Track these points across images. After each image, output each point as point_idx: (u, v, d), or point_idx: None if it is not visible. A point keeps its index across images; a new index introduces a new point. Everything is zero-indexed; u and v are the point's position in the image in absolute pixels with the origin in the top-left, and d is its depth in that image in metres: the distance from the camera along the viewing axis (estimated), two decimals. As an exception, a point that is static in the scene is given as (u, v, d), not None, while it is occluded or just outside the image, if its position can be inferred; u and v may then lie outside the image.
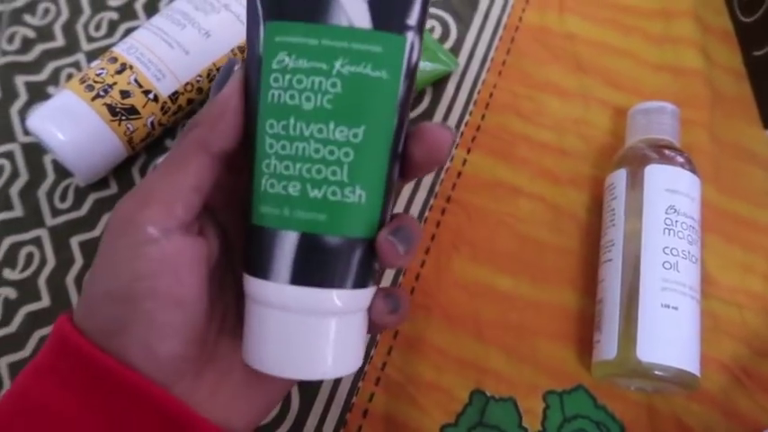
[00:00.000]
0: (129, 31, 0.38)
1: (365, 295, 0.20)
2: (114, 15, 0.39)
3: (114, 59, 0.33)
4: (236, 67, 0.20)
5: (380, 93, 0.19)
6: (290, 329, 0.19)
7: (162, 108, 0.33)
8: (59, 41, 0.39)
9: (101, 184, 0.35)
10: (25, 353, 0.32)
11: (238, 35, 0.34)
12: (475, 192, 0.34)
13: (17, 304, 0.33)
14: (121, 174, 0.35)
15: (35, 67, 0.38)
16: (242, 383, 0.22)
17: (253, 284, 0.20)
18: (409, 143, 0.20)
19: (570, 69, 0.36)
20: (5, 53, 0.38)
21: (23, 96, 0.37)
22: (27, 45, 0.39)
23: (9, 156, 0.36)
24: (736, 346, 0.30)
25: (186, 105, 0.35)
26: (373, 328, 0.22)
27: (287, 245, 0.19)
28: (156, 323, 0.19)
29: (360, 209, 0.19)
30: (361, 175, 0.19)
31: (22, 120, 0.37)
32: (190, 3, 0.34)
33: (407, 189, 0.34)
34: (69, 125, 0.31)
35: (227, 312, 0.22)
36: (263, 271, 0.19)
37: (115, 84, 0.32)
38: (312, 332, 0.19)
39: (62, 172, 0.35)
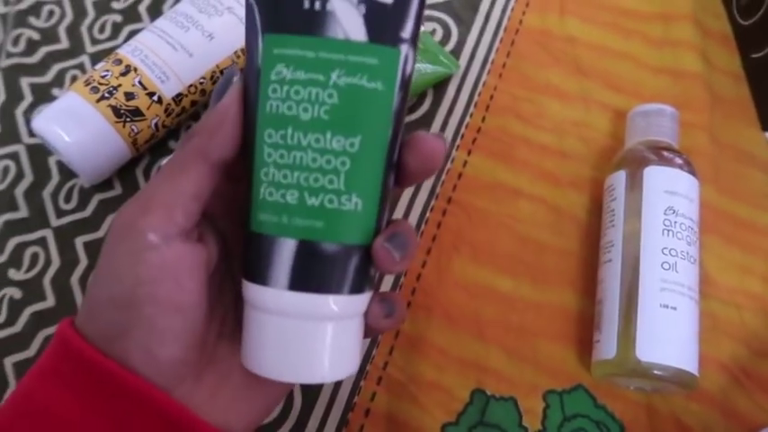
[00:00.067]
0: (132, 34, 0.38)
1: (362, 300, 0.21)
2: (118, 18, 0.40)
3: (119, 62, 0.33)
4: (235, 78, 0.21)
5: (376, 103, 0.19)
6: (288, 334, 0.20)
7: (166, 110, 0.34)
8: (64, 43, 0.39)
9: (105, 185, 0.35)
10: (30, 352, 0.32)
11: (241, 38, 0.34)
12: (475, 193, 0.34)
13: (22, 304, 0.33)
14: (125, 175, 0.35)
15: (40, 68, 0.38)
16: (241, 386, 0.22)
17: (251, 290, 0.20)
18: (404, 152, 0.21)
19: (570, 72, 0.37)
20: (10, 55, 0.39)
21: (28, 98, 0.38)
22: (32, 47, 0.39)
23: (14, 157, 0.36)
24: (735, 347, 0.30)
25: (190, 107, 0.35)
26: (369, 331, 0.22)
27: (285, 252, 0.19)
28: (156, 328, 0.19)
29: (356, 216, 0.19)
30: (358, 184, 0.19)
31: (27, 121, 0.37)
32: (193, 5, 0.35)
33: (409, 190, 0.34)
34: (74, 127, 0.32)
35: (227, 317, 0.23)
36: (261, 277, 0.20)
37: (120, 86, 0.32)
38: (309, 337, 0.20)
39: (67, 173, 0.36)
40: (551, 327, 0.31)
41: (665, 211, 0.29)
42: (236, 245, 0.23)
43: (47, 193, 0.35)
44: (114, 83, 0.32)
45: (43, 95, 0.38)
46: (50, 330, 0.32)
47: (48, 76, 0.38)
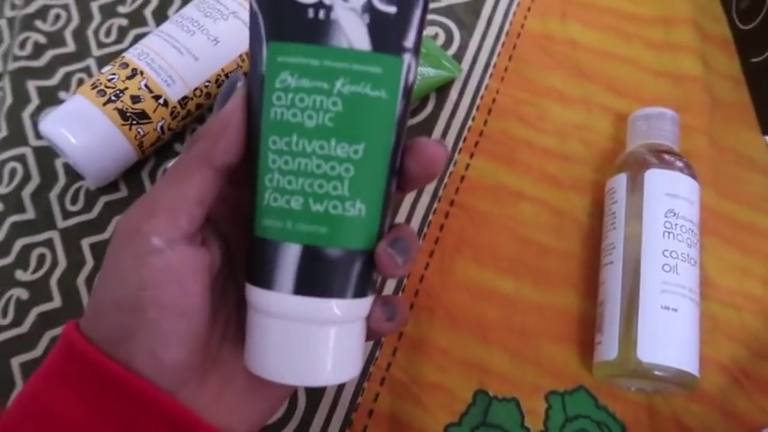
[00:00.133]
0: (138, 38, 0.39)
1: (364, 304, 0.21)
2: (124, 22, 0.40)
3: (125, 65, 0.34)
4: (239, 83, 0.21)
5: (379, 111, 0.19)
6: (292, 338, 0.20)
7: (171, 113, 0.34)
8: (70, 47, 0.39)
9: (111, 187, 0.35)
10: (37, 353, 0.32)
11: (246, 42, 0.35)
12: (478, 196, 0.35)
13: (29, 305, 0.33)
14: (131, 177, 0.36)
15: (46, 72, 0.39)
16: (244, 388, 0.22)
17: (255, 294, 0.20)
18: (405, 158, 0.21)
19: (572, 76, 0.37)
20: (17, 58, 0.39)
21: (35, 101, 0.38)
22: (38, 50, 0.39)
23: (21, 159, 0.36)
24: (735, 348, 0.30)
25: (195, 110, 0.35)
26: (372, 335, 0.22)
27: (289, 257, 0.19)
28: (160, 331, 0.19)
29: (360, 222, 0.20)
30: (362, 190, 0.19)
31: (34, 124, 0.37)
32: (199, 10, 0.35)
33: (412, 193, 0.35)
34: (81, 129, 0.32)
35: (230, 319, 0.23)
36: (265, 281, 0.20)
37: (126, 89, 0.33)
38: (312, 340, 0.20)
39: (73, 175, 0.36)
40: (553, 328, 0.31)
41: (666, 213, 0.29)
42: (239, 249, 0.23)
43: (53, 195, 0.36)
44: (121, 86, 0.33)
45: (50, 98, 0.38)
46: (57, 331, 0.33)
47: (54, 80, 0.38)
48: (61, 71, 0.39)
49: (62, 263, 0.34)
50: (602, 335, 0.29)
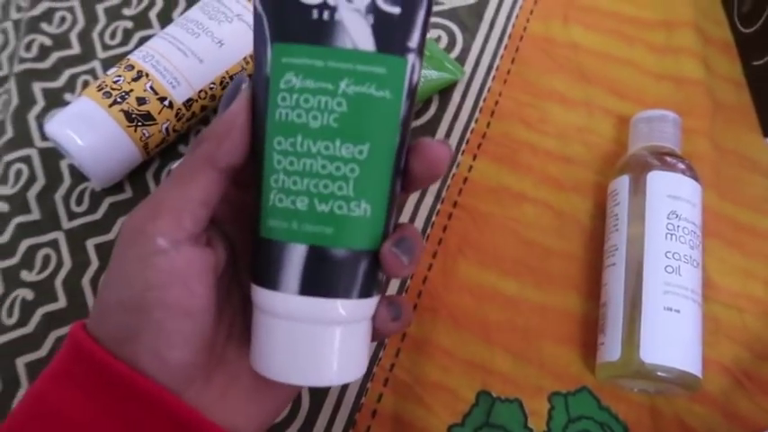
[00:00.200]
0: (143, 40, 0.39)
1: (369, 305, 0.21)
2: (129, 24, 0.40)
3: (131, 67, 0.34)
4: (244, 85, 0.21)
5: (384, 112, 0.19)
6: (297, 338, 0.20)
7: (176, 114, 0.34)
8: (75, 49, 0.40)
9: (116, 188, 0.36)
10: (42, 353, 0.32)
11: (251, 44, 0.35)
12: (480, 197, 0.35)
13: (34, 305, 0.33)
14: (136, 178, 0.36)
15: (52, 73, 0.39)
16: (250, 388, 0.22)
17: (260, 295, 0.20)
18: (410, 158, 0.21)
19: (574, 78, 0.37)
20: (23, 60, 0.39)
21: (40, 102, 0.38)
22: (44, 52, 0.39)
23: (27, 160, 0.37)
24: (737, 349, 0.31)
25: (200, 112, 0.36)
26: (377, 335, 0.22)
27: (295, 257, 0.20)
28: (165, 332, 0.19)
29: (365, 222, 0.20)
30: (367, 190, 0.20)
31: (40, 125, 0.37)
32: (204, 12, 0.35)
33: (415, 194, 0.35)
34: (87, 130, 0.32)
35: (235, 319, 0.23)
36: (270, 282, 0.20)
37: (131, 91, 0.33)
38: (318, 341, 0.20)
39: (78, 176, 0.36)
40: (556, 329, 0.32)
41: (668, 215, 0.29)
42: (243, 249, 0.23)
43: (59, 196, 0.36)
44: (126, 88, 0.33)
45: (55, 100, 0.38)
46: (62, 331, 0.33)
47: (59, 81, 0.39)
48: (66, 73, 0.39)
49: (67, 263, 0.34)
50: (604, 336, 0.29)
